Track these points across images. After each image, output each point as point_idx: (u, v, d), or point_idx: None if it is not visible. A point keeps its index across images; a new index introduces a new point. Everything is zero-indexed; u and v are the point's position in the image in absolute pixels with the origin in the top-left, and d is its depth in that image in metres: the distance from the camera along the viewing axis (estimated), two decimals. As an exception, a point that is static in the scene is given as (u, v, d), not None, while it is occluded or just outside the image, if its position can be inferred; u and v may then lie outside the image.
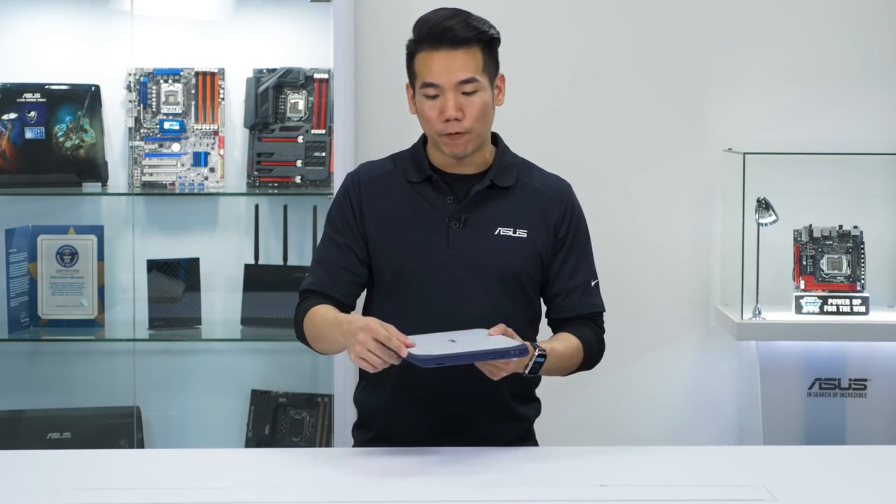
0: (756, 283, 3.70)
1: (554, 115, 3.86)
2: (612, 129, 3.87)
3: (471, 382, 2.41)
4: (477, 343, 2.28)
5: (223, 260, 3.80)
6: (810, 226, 3.77)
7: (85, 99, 3.73)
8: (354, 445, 2.61)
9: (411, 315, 2.45)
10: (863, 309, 3.69)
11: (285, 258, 3.74)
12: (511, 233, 2.51)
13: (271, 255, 3.77)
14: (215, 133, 3.74)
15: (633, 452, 2.46)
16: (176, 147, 3.74)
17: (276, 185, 3.73)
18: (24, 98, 3.72)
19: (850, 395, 3.68)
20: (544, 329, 2.60)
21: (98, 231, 3.76)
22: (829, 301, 3.70)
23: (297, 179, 3.73)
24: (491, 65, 2.48)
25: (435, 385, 2.45)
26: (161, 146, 3.74)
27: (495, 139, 2.58)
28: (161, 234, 3.81)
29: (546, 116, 3.86)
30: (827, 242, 3.75)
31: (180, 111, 3.74)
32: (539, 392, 2.63)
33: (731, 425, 3.91)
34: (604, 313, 2.62)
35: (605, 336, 2.60)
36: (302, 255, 3.74)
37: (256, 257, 3.74)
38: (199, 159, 3.74)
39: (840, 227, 3.77)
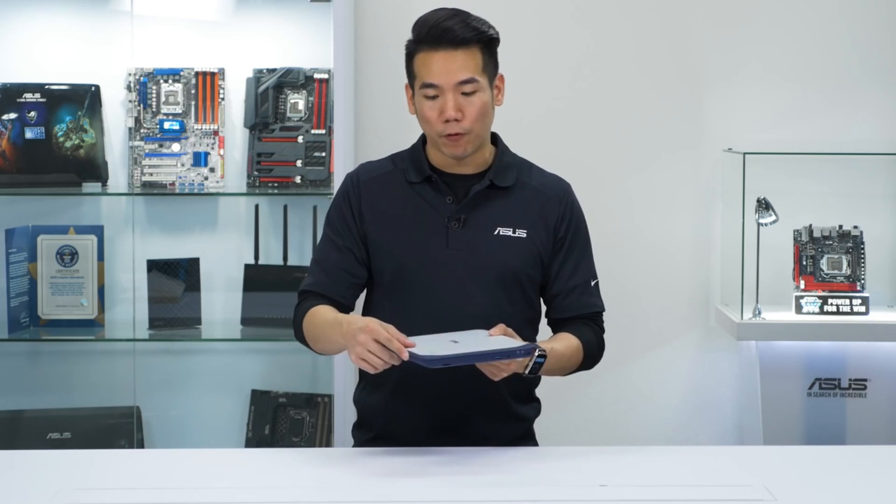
0: (756, 283, 3.70)
1: (554, 115, 3.86)
2: (612, 129, 3.87)
3: (471, 383, 2.41)
4: (481, 343, 2.28)
5: (223, 260, 3.80)
6: (810, 226, 3.77)
7: (85, 99, 3.73)
8: (354, 445, 2.61)
9: (411, 315, 2.45)
10: (863, 309, 3.69)
11: (285, 258, 3.74)
12: (510, 233, 2.51)
13: (271, 255, 3.77)
14: (215, 133, 3.74)
15: (633, 452, 2.46)
16: (176, 147, 3.74)
17: (276, 185, 3.73)
18: (24, 98, 3.72)
19: (850, 395, 3.68)
20: (544, 329, 2.60)
21: (98, 231, 3.76)
22: (829, 301, 3.70)
23: (297, 179, 3.73)
24: (490, 65, 2.48)
25: (435, 385, 2.45)
26: (161, 146, 3.74)
27: (494, 139, 2.58)
28: (161, 234, 3.82)
29: (546, 116, 3.86)
30: (827, 242, 3.75)
31: (180, 111, 3.74)
32: (539, 392, 2.63)
33: (731, 425, 3.91)
34: (603, 313, 2.62)
35: (605, 336, 2.60)
36: (302, 255, 3.74)
37: (256, 257, 3.74)
38: (199, 159, 3.74)
39: (840, 227, 3.77)
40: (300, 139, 3.74)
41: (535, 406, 2.62)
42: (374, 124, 3.82)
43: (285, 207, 3.74)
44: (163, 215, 3.82)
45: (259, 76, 3.74)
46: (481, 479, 2.25)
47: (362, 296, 2.61)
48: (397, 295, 2.50)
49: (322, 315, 2.45)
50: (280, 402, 3.78)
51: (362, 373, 2.57)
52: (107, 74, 3.76)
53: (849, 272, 3.74)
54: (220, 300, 3.79)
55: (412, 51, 2.47)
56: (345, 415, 3.42)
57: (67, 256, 3.74)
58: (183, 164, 3.74)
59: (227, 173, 3.77)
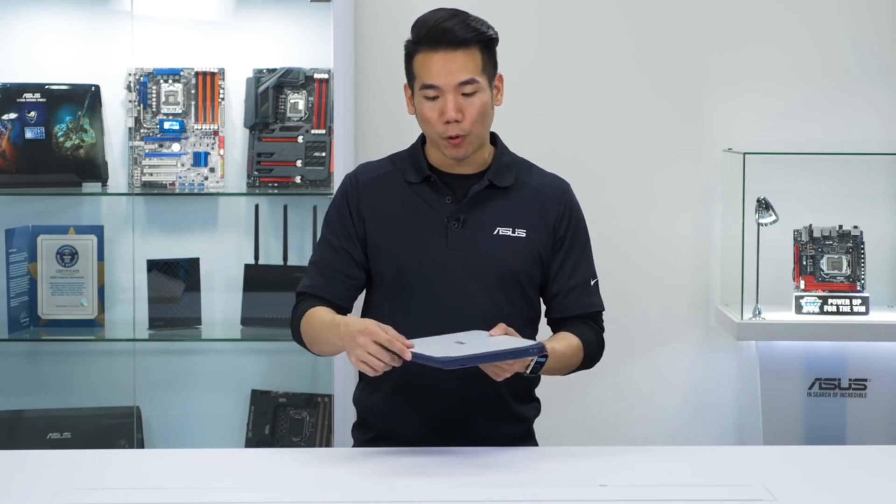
0: (756, 283, 3.70)
1: (554, 115, 3.86)
2: (612, 129, 3.87)
3: (471, 383, 2.41)
4: (491, 343, 2.28)
5: (223, 260, 3.80)
6: (810, 226, 3.77)
7: (85, 99, 3.73)
8: (354, 445, 2.61)
9: (411, 315, 2.46)
10: (863, 309, 3.69)
11: (285, 258, 3.74)
12: (510, 233, 2.51)
13: (271, 255, 3.77)
14: (215, 133, 3.74)
15: (633, 452, 2.46)
16: (176, 147, 3.74)
17: (276, 185, 3.73)
18: (24, 98, 3.72)
19: (850, 395, 3.68)
20: (543, 329, 2.60)
21: (98, 231, 3.76)
22: (829, 301, 3.70)
23: (297, 179, 3.73)
24: (490, 65, 2.48)
25: (434, 385, 2.45)
26: (161, 146, 3.74)
27: (494, 139, 2.58)
28: (161, 234, 3.81)
29: (546, 116, 3.86)
30: (827, 242, 3.75)
31: (180, 111, 3.74)
32: (539, 392, 2.63)
33: (731, 425, 3.91)
34: (603, 312, 2.62)
35: (605, 336, 2.60)
36: (302, 255, 3.74)
37: (256, 257, 3.74)
38: (199, 159, 3.74)
39: (840, 227, 3.77)
40: (300, 139, 3.74)
41: (535, 406, 2.62)
42: (374, 124, 3.82)
43: (285, 207, 3.74)
44: (163, 215, 3.82)
45: (259, 76, 3.74)
46: (481, 479, 2.25)
47: (361, 296, 2.61)
48: (397, 295, 2.50)
49: (319, 317, 2.45)
50: (280, 402, 3.78)
51: (362, 373, 2.57)
52: (107, 74, 3.76)
53: (849, 272, 3.74)
54: (220, 300, 3.79)
55: (411, 51, 2.47)
56: (345, 415, 3.42)
57: (67, 256, 3.74)
58: (183, 164, 3.74)
59: (227, 173, 3.77)
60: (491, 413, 2.52)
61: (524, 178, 2.56)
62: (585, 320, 2.57)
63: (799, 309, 3.70)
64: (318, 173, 3.72)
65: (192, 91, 3.74)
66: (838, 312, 3.69)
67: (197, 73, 3.74)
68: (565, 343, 2.48)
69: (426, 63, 2.43)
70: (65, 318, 3.74)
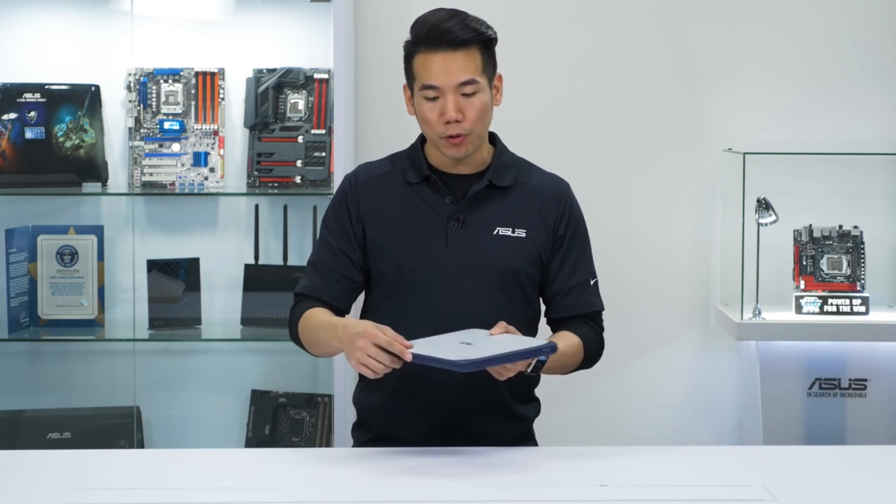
0: (756, 283, 3.70)
1: (554, 115, 3.86)
2: (612, 129, 3.87)
3: (470, 383, 2.41)
4: (504, 344, 2.28)
5: (223, 260, 3.80)
6: (810, 226, 3.77)
7: (85, 99, 3.73)
8: (354, 445, 2.61)
9: (411, 315, 2.46)
10: (863, 309, 3.69)
11: (285, 258, 3.74)
12: (510, 232, 2.51)
13: (271, 255, 3.77)
14: (215, 133, 3.74)
15: (633, 452, 2.46)
16: (176, 147, 3.74)
17: (276, 185, 3.73)
18: (24, 98, 3.72)
19: (850, 395, 3.68)
20: (543, 328, 2.60)
21: (98, 231, 3.76)
22: (829, 301, 3.70)
23: (297, 179, 3.73)
24: (489, 65, 2.48)
25: (434, 386, 2.45)
26: (161, 146, 3.74)
27: (493, 139, 2.58)
28: (161, 234, 3.82)
29: (546, 116, 3.86)
30: (827, 242, 3.75)
31: (180, 111, 3.74)
32: (539, 392, 2.63)
33: (731, 425, 3.91)
34: (603, 312, 2.62)
35: (605, 335, 2.60)
36: (302, 255, 3.74)
37: (256, 257, 3.75)
38: (199, 159, 3.74)
39: (840, 227, 3.77)
40: (300, 139, 3.74)
41: (534, 406, 2.62)
42: (374, 124, 3.82)
43: (285, 207, 3.74)
44: (163, 215, 3.82)
45: (259, 76, 3.74)
46: (481, 479, 2.25)
47: (361, 296, 2.61)
48: (397, 295, 2.50)
49: (317, 318, 2.45)
50: (280, 402, 3.78)
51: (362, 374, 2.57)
52: (107, 74, 3.76)
53: (849, 272, 3.74)
54: (220, 300, 3.79)
55: (411, 52, 2.47)
56: (345, 415, 3.42)
57: (67, 256, 3.74)
58: (183, 164, 3.74)
59: (227, 173, 3.77)
60: (491, 413, 2.52)
61: (524, 177, 2.56)
62: (585, 320, 2.57)
63: (799, 309, 3.70)
64: (318, 173, 3.73)
65: (192, 91, 3.74)
66: (838, 312, 3.69)
67: (197, 73, 3.74)
68: (566, 342, 2.48)
69: (426, 64, 2.43)
70: (65, 318, 3.74)
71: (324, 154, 3.73)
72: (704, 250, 3.89)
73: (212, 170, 3.74)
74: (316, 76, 3.74)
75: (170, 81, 3.74)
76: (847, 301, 3.70)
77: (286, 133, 3.74)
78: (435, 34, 2.41)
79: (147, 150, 3.74)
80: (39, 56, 3.77)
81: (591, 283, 2.59)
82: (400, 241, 2.50)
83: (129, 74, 3.73)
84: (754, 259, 3.69)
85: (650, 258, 3.89)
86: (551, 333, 2.57)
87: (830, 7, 3.85)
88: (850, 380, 3.68)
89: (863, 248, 3.75)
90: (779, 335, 3.65)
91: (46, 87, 3.73)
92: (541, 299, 2.60)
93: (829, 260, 3.75)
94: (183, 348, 3.86)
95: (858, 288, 3.73)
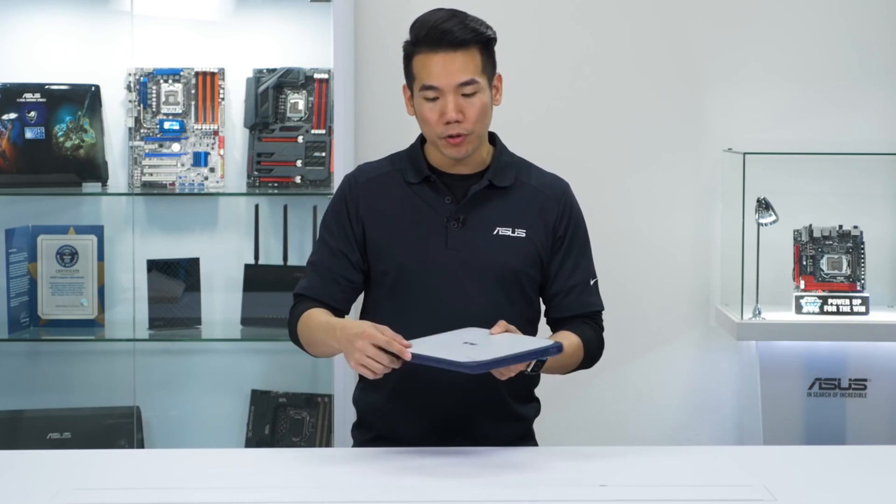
0: (756, 283, 3.70)
1: (554, 115, 3.86)
2: (612, 129, 3.87)
3: (470, 383, 2.41)
4: (510, 344, 2.28)
5: (223, 260, 3.80)
6: (810, 226, 3.76)
7: (85, 99, 3.73)
8: (354, 445, 2.61)
9: (410, 315, 2.46)
10: (863, 309, 3.69)
11: (285, 258, 3.74)
12: (510, 232, 2.51)
13: (271, 255, 3.77)
14: (215, 133, 3.74)
15: (633, 452, 2.46)
16: (176, 147, 3.74)
17: (276, 185, 3.73)
18: (24, 98, 3.72)
19: (850, 395, 3.68)
20: (543, 328, 2.60)
21: (98, 231, 3.76)
22: (829, 301, 3.70)
23: (297, 179, 3.73)
24: (489, 65, 2.48)
25: (434, 386, 2.45)
26: (161, 146, 3.74)
27: (493, 139, 2.58)
28: (161, 234, 3.82)
29: (546, 116, 3.86)
30: (827, 242, 3.75)
31: (180, 111, 3.74)
32: (539, 392, 2.63)
33: (731, 425, 3.91)
34: (603, 312, 2.62)
35: (605, 335, 2.60)
36: (302, 255, 3.74)
37: (256, 257, 3.74)
38: (199, 159, 3.74)
39: (840, 227, 3.77)
40: (300, 139, 3.74)
41: (534, 406, 2.62)
42: (374, 124, 3.82)
43: (285, 207, 3.74)
44: (163, 215, 3.82)
45: (259, 76, 3.74)
46: (481, 479, 2.25)
47: (361, 295, 2.61)
48: (397, 295, 2.50)
49: (315, 319, 2.45)
50: (280, 402, 3.78)
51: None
52: (107, 74, 3.76)
53: (849, 272, 3.74)
54: (220, 300, 3.79)
55: (410, 52, 2.47)
56: (345, 415, 3.42)
57: (67, 256, 3.74)
58: (183, 164, 3.74)
59: (227, 173, 3.77)
60: (491, 413, 2.52)
61: (523, 177, 2.56)
62: (585, 320, 2.57)
63: (799, 309, 3.70)
64: (318, 173, 3.73)
65: (192, 91, 3.74)
66: (838, 312, 3.69)
67: (197, 73, 3.74)
68: (566, 342, 2.47)
69: (425, 64, 2.43)
70: (65, 318, 3.74)
71: (324, 154, 3.73)
72: (704, 250, 3.89)
73: (212, 170, 3.74)
74: (316, 76, 3.74)
75: (170, 81, 3.74)
76: (847, 301, 3.70)
77: (286, 133, 3.74)
78: (434, 34, 2.41)
79: (147, 150, 3.74)
80: (39, 56, 3.77)
81: (591, 283, 2.59)
82: (400, 241, 2.50)
83: (129, 74, 3.73)
84: (754, 259, 3.69)
85: (650, 258, 3.89)
86: (551, 333, 2.57)
87: (830, 7, 3.85)
88: (850, 380, 3.68)
89: (863, 248, 3.75)
90: (779, 335, 3.65)
91: (46, 87, 3.73)
92: (540, 299, 2.60)
93: (829, 260, 3.75)
94: (183, 348, 3.86)
95: (858, 288, 3.73)
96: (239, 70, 3.75)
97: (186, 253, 3.77)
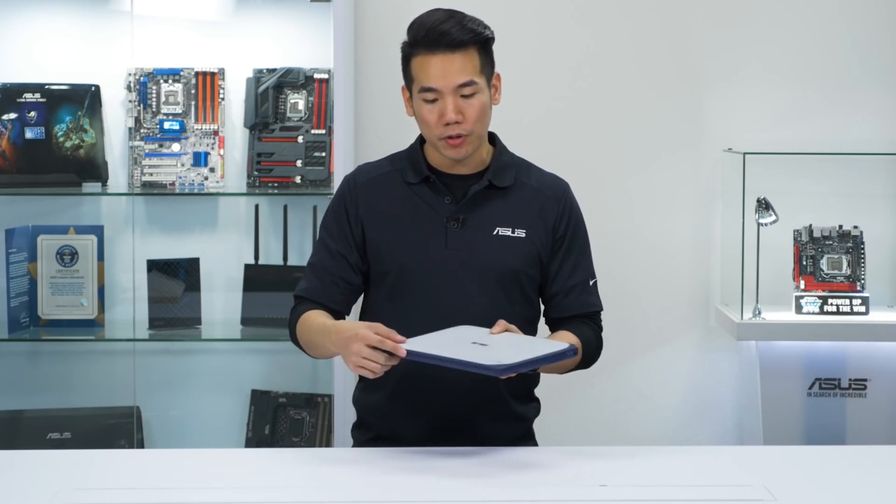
0: (756, 283, 3.70)
1: (554, 115, 3.86)
2: (612, 129, 3.87)
3: (470, 383, 2.41)
4: (530, 348, 2.28)
5: (223, 260, 3.80)
6: (810, 226, 3.77)
7: (85, 99, 3.73)
8: (354, 445, 2.61)
9: (410, 315, 2.45)
10: (863, 309, 3.69)
11: (285, 258, 3.74)
12: (509, 233, 2.51)
13: (271, 255, 3.77)
14: (215, 133, 3.74)
15: (633, 452, 2.46)
16: (176, 147, 3.74)
17: (276, 185, 3.73)
18: (24, 98, 3.72)
19: (850, 395, 3.68)
20: (543, 328, 2.60)
21: (98, 231, 3.76)
22: (829, 301, 3.70)
23: (297, 179, 3.73)
24: (487, 65, 2.47)
25: (434, 386, 2.45)
26: (161, 146, 3.74)
27: (492, 139, 2.58)
28: (161, 234, 3.82)
29: (546, 116, 3.86)
30: (827, 242, 3.75)
31: (180, 111, 3.74)
32: (539, 392, 2.63)
33: (731, 425, 3.91)
34: (602, 312, 2.62)
35: (605, 336, 2.61)
36: (302, 255, 3.74)
37: (256, 257, 3.75)
38: (199, 159, 3.74)
39: (840, 227, 3.77)
40: (300, 139, 3.74)
41: (534, 406, 2.62)
42: (374, 124, 3.82)
43: (285, 207, 3.74)
44: (163, 215, 3.82)
45: (259, 76, 3.74)
46: (481, 480, 2.25)
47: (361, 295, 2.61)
48: (397, 295, 2.50)
49: (314, 321, 2.45)
50: (280, 402, 3.78)
51: (362, 373, 2.57)
52: (107, 74, 3.76)
53: (849, 272, 3.74)
54: (220, 300, 3.79)
55: (408, 54, 2.46)
56: (345, 415, 3.42)
57: (67, 256, 3.74)
58: (183, 164, 3.74)
59: (227, 173, 3.77)
60: (491, 413, 2.52)
61: (523, 178, 2.56)
62: (584, 320, 2.57)
63: (799, 309, 3.70)
64: (318, 173, 3.73)
65: (192, 91, 3.74)
66: (838, 312, 3.69)
67: (197, 73, 3.74)
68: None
69: (424, 66, 2.43)
70: (65, 318, 3.74)
71: (324, 154, 3.73)
72: (704, 250, 3.89)
73: (212, 170, 3.74)
74: (316, 76, 3.74)
75: (170, 81, 3.74)
76: (847, 301, 3.70)
77: (286, 133, 3.74)
78: (433, 36, 2.41)
79: (147, 150, 3.74)
80: (39, 56, 3.77)
81: (591, 283, 2.59)
82: (400, 241, 2.50)
83: (129, 74, 3.73)
84: (754, 259, 3.69)
85: (650, 258, 3.89)
86: (550, 333, 2.57)
87: (830, 7, 3.85)
88: (850, 380, 3.68)
89: (863, 248, 3.75)
90: (779, 335, 3.65)
91: (46, 87, 3.73)
92: (540, 299, 2.60)
93: (829, 260, 3.75)
94: (183, 348, 3.86)
95: (858, 288, 3.73)
96: (239, 70, 3.75)
97: (186, 253, 3.77)
